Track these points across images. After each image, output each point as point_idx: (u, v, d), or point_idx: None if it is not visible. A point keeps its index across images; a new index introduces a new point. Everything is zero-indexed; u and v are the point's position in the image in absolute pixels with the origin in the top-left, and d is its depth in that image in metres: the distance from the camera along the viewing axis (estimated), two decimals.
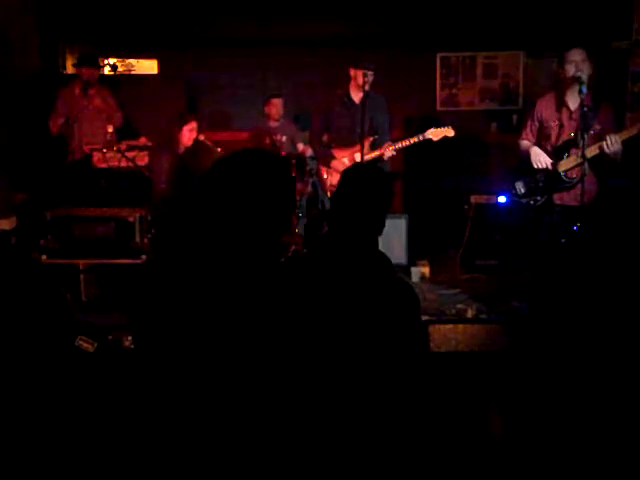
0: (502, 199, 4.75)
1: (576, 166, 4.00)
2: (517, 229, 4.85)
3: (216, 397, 1.48)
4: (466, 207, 5.65)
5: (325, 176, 5.08)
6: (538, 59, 7.04)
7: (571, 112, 4.09)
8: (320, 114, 5.15)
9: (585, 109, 3.79)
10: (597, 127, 3.96)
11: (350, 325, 1.85)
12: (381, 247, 2.10)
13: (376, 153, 4.87)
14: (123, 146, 5.47)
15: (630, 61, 6.24)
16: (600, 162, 3.93)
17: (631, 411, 3.01)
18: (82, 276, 4.82)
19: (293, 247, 5.14)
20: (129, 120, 6.06)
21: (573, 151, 4.03)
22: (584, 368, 3.37)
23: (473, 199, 5.63)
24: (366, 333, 1.86)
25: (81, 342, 3.61)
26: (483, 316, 4.38)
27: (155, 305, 1.56)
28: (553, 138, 4.15)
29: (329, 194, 5.02)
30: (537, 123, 4.25)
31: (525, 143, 4.30)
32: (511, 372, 3.52)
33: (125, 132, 5.90)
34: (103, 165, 5.45)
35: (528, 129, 4.30)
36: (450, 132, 4.85)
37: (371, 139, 4.87)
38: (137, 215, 4.75)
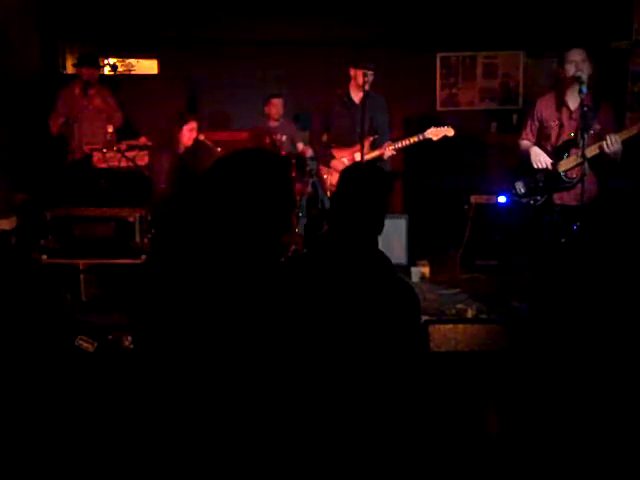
0: (502, 199, 4.75)
1: (576, 166, 4.00)
2: (517, 229, 4.85)
3: (216, 397, 1.48)
4: (466, 207, 5.66)
5: (325, 176, 5.08)
6: (538, 59, 7.04)
7: (571, 112, 4.09)
8: (320, 114, 5.15)
9: (585, 109, 3.79)
10: (597, 127, 3.97)
11: (350, 325, 1.84)
12: (381, 247, 2.09)
13: (376, 153, 4.86)
14: (123, 146, 5.47)
15: (630, 61, 6.24)
16: (600, 162, 3.93)
17: (631, 411, 3.01)
18: (82, 276, 4.82)
19: (293, 247, 5.14)
20: (129, 120, 6.06)
21: (573, 151, 4.03)
22: (584, 368, 3.37)
23: (473, 199, 5.63)
24: (366, 333, 1.86)
25: (81, 342, 3.61)
26: (483, 316, 4.38)
27: (155, 305, 1.56)
28: (553, 138, 4.15)
29: (329, 194, 5.02)
30: (537, 123, 4.25)
31: (525, 143, 4.30)
32: (510, 372, 3.52)
33: (125, 132, 5.90)
34: (103, 165, 5.45)
35: (528, 129, 4.30)
36: (450, 132, 4.85)
37: (371, 139, 4.87)
38: (137, 215, 4.75)
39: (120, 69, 6.88)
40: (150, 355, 1.58)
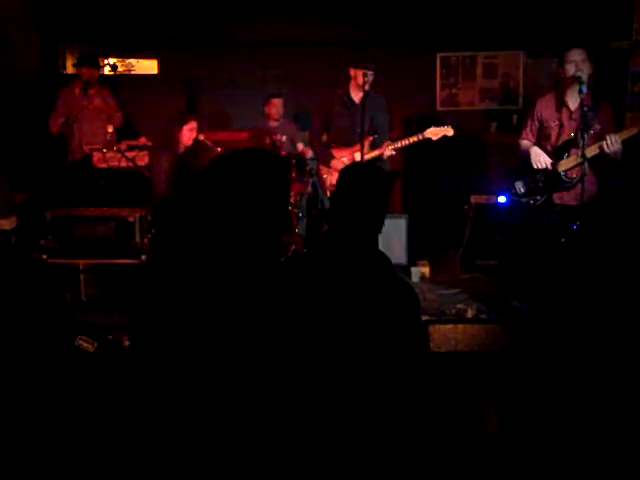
0: (502, 199, 4.75)
1: (576, 166, 4.00)
2: (517, 229, 4.85)
3: (216, 397, 1.48)
4: (466, 207, 5.66)
5: (325, 176, 5.08)
6: (538, 59, 7.04)
7: (571, 112, 4.09)
8: (320, 114, 5.14)
9: (585, 109, 3.79)
10: (597, 127, 3.97)
11: (350, 325, 1.85)
12: (381, 247, 2.10)
13: (376, 152, 4.86)
14: (123, 146, 5.48)
15: (630, 61, 6.24)
16: (600, 162, 3.93)
17: (630, 411, 3.01)
18: (82, 276, 4.82)
19: (293, 247, 5.14)
20: (129, 120, 6.07)
21: (573, 151, 4.03)
22: (583, 368, 3.37)
23: (473, 199, 5.63)
24: (366, 333, 1.86)
25: (81, 342, 3.61)
26: (483, 316, 4.38)
27: (155, 305, 1.56)
28: (553, 138, 4.15)
29: (329, 194, 5.02)
30: (537, 123, 4.25)
31: (525, 143, 4.30)
32: (510, 372, 3.52)
33: (125, 132, 5.90)
34: (103, 165, 5.45)
35: (528, 129, 4.31)
36: (449, 131, 4.85)
37: (371, 139, 4.87)
38: (137, 215, 4.75)
39: (120, 69, 6.88)
40: (149, 355, 1.58)
